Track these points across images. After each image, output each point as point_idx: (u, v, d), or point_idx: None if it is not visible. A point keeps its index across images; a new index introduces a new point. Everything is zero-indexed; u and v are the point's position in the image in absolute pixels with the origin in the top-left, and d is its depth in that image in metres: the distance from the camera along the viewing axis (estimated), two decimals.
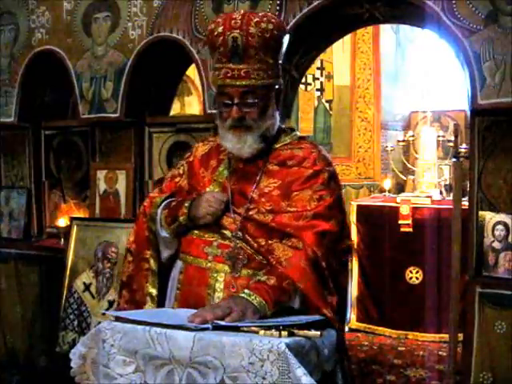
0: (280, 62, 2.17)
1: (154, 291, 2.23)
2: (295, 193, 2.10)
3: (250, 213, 2.10)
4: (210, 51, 2.18)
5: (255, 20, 2.05)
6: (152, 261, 2.25)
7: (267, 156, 2.17)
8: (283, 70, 2.29)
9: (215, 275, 2.08)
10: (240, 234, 2.08)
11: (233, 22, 2.05)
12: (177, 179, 2.33)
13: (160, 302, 2.23)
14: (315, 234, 2.02)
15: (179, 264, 2.21)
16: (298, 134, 2.28)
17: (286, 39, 2.16)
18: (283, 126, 2.27)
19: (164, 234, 2.22)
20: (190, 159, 2.32)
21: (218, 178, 2.21)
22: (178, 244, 2.23)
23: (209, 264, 2.10)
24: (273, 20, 2.09)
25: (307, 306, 1.96)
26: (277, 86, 2.16)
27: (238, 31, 2.04)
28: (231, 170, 2.20)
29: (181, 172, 2.33)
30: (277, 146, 2.20)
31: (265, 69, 2.08)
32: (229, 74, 2.07)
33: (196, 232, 2.16)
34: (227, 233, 2.10)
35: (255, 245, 2.05)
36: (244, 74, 2.05)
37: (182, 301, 2.13)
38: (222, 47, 2.07)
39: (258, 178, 2.15)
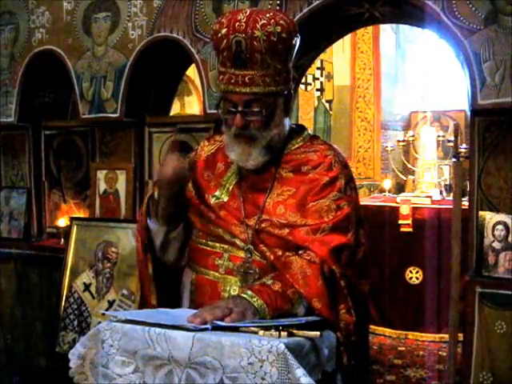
0: (290, 66, 2.01)
1: (154, 302, 2.14)
2: (311, 203, 1.97)
3: (263, 225, 1.98)
4: (215, 52, 2.02)
5: (261, 23, 1.88)
6: (149, 265, 2.12)
7: (279, 161, 2.04)
8: None
9: (228, 288, 2.00)
10: (252, 247, 1.99)
11: (237, 24, 1.88)
12: None
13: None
14: (332, 250, 1.90)
15: (189, 273, 2.13)
16: (310, 133, 2.15)
17: (297, 41, 1.99)
18: (293, 126, 2.13)
19: (152, 225, 2.08)
20: (195, 159, 2.17)
21: (226, 184, 2.08)
22: (183, 246, 2.14)
23: (220, 277, 2.02)
24: (281, 22, 1.91)
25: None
26: (286, 92, 1.99)
27: (243, 35, 1.87)
28: (241, 176, 2.07)
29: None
30: (289, 149, 2.07)
31: (272, 75, 1.92)
32: (232, 80, 1.92)
33: (203, 241, 2.07)
34: (239, 242, 2.00)
35: (271, 256, 1.95)
36: (248, 80, 1.90)
37: None
38: (225, 51, 1.92)
39: (270, 186, 2.02)
